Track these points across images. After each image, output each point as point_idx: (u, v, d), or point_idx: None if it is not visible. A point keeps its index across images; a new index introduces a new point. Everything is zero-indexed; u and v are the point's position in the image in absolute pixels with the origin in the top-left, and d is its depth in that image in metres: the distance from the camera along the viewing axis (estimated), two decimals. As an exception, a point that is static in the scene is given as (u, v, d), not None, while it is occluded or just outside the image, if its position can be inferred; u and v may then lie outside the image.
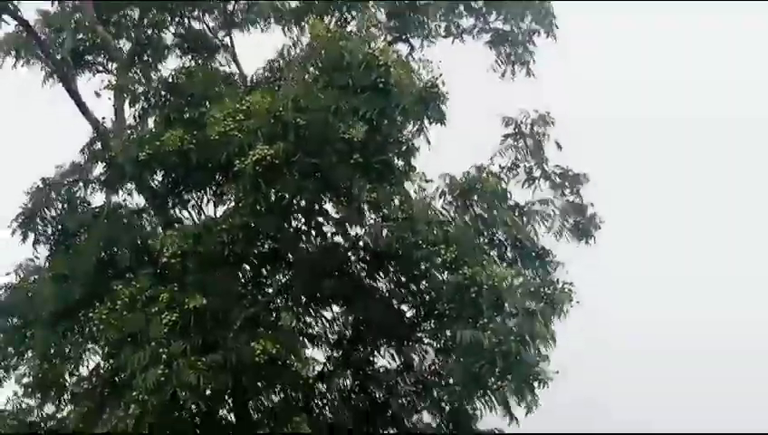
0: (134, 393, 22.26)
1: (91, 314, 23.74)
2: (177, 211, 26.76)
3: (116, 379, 23.91)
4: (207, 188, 26.24)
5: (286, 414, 23.98)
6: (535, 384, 23.56)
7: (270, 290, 25.56)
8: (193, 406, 22.83)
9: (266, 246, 24.64)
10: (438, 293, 24.74)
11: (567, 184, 26.49)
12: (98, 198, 27.50)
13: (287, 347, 23.33)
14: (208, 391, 23.11)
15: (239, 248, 24.01)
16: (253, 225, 23.77)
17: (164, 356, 22.29)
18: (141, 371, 22.41)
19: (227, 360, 22.82)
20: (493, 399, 24.13)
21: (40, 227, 27.30)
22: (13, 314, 27.09)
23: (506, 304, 23.57)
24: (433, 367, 26.86)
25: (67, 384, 25.61)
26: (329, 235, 25.34)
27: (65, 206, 27.35)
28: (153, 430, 22.99)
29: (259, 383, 24.19)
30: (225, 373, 22.79)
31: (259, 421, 25.14)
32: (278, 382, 24.34)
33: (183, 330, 22.83)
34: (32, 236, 27.26)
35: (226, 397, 24.48)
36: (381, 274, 26.06)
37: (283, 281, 25.84)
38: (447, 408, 26.87)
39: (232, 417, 25.79)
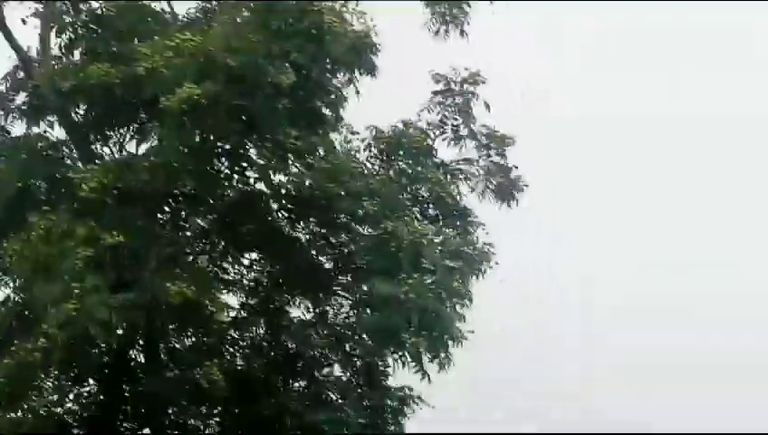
0: (44, 327, 21.89)
1: (4, 245, 23.30)
2: (99, 147, 26.39)
3: (26, 312, 23.59)
4: (131, 126, 25.85)
5: (197, 358, 23.72)
6: (450, 342, 23.64)
7: (189, 232, 25.23)
8: (103, 344, 22.44)
9: (187, 188, 24.19)
10: (358, 246, 24.70)
11: (493, 145, 26.41)
12: (19, 128, 26.99)
13: (203, 290, 23.02)
14: (120, 330, 22.81)
15: (159, 187, 23.67)
16: (175, 164, 23.43)
17: (76, 291, 21.90)
18: (53, 305, 22.03)
19: (141, 299, 22.48)
20: (406, 354, 24.16)
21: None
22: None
23: (426, 261, 23.55)
24: (347, 321, 26.72)
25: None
26: (251, 180, 25.05)
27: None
28: (62, 364, 22.73)
29: (171, 325, 23.88)
30: (138, 312, 22.44)
31: (169, 364, 24.97)
32: (191, 325, 24.09)
33: (98, 266, 22.43)
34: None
35: (138, 337, 24.27)
36: (302, 223, 25.88)
37: (202, 224, 25.55)
38: (359, 362, 26.83)
39: (142, 358, 25.63)
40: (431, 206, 25.70)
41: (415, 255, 23.34)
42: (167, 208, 25.00)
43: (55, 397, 24.35)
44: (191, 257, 24.48)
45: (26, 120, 26.49)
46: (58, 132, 26.32)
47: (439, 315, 23.12)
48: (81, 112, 25.85)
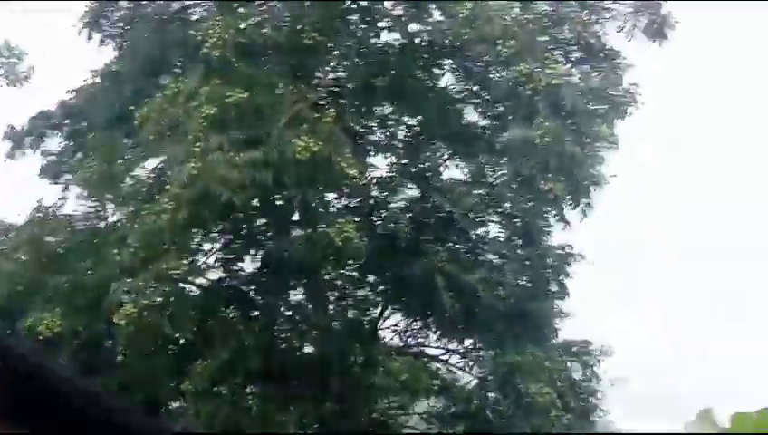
0: (167, 187, 21.60)
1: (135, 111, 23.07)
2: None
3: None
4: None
5: (329, 214, 22.94)
6: (591, 188, 22.27)
7: (319, 88, 24.36)
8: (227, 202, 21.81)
9: (314, 40, 23.27)
10: (495, 92, 23.46)
11: (642, -20, 24.56)
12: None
13: (333, 146, 22.17)
14: (248, 188, 22.15)
15: (284, 39, 22.94)
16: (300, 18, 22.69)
17: (197, 150, 21.46)
18: (178, 165, 21.73)
19: (268, 156, 21.82)
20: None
21: (105, 29, 26.67)
22: (82, 118, 26.86)
23: (565, 104, 22.18)
24: (504, 178, 25.42)
25: (124, 185, 25.06)
26: (384, 31, 24.03)
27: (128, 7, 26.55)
28: (190, 225, 22.34)
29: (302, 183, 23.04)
30: (264, 170, 21.78)
31: (299, 218, 24.30)
32: (322, 182, 23.15)
33: (223, 125, 21.95)
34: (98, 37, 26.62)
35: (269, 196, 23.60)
36: (439, 72, 24.75)
37: (332, 78, 24.69)
38: (518, 222, 25.64)
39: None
40: (575, 48, 24.15)
41: (552, 98, 21.97)
42: (294, 63, 24.15)
43: (187, 262, 23.65)
44: (319, 114, 23.39)
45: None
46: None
47: (576, 159, 21.69)
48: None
